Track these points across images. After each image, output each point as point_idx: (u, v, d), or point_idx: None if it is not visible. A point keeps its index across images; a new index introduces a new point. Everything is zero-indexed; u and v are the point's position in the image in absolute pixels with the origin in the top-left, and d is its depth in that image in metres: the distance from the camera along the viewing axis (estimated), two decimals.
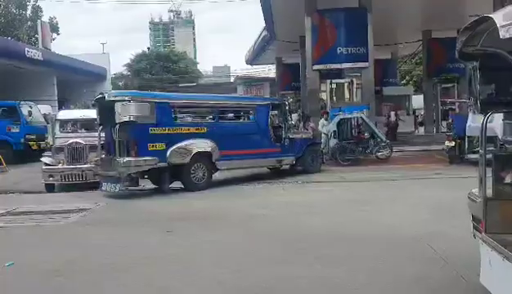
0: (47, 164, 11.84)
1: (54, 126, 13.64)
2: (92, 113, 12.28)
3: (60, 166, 11.73)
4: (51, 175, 11.65)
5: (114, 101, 10.41)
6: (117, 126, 10.22)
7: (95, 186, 11.17)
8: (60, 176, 11.60)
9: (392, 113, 23.37)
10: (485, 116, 3.77)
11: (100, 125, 11.15)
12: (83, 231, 7.41)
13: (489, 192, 3.79)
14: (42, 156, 12.81)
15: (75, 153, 11.84)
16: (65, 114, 14.29)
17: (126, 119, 10.17)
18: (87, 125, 13.28)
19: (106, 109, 10.62)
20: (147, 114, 10.43)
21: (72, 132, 13.13)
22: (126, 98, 10.53)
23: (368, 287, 4.53)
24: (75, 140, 12.08)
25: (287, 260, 5.46)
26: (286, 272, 5.02)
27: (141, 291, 4.66)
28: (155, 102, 10.76)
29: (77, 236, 7.07)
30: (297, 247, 5.98)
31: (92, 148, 11.61)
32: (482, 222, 3.76)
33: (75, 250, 6.20)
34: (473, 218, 4.01)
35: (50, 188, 11.92)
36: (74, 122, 13.69)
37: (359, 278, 4.71)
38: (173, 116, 10.99)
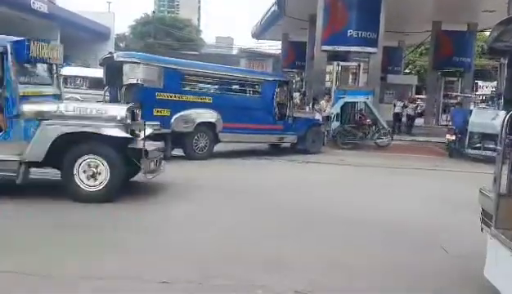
0: None
1: None
2: (96, 73, 12.50)
3: None
4: None
5: (123, 62, 10.34)
6: (123, 88, 10.16)
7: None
8: None
9: (410, 105, 22.25)
10: (507, 114, 3.77)
11: (106, 85, 11.11)
12: None
13: (503, 188, 3.85)
14: None
15: None
16: (70, 71, 14.84)
17: (133, 82, 10.11)
18: (92, 83, 13.74)
19: (113, 70, 10.53)
20: (155, 79, 10.39)
21: (75, 88, 13.71)
22: (135, 60, 10.46)
23: (369, 271, 4.59)
24: (73, 95, 13.17)
25: (292, 235, 5.55)
26: (291, 246, 5.10)
27: (137, 259, 4.67)
28: (164, 67, 10.68)
29: None
30: (300, 223, 6.06)
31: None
32: (492, 217, 3.83)
33: (69, 205, 6.25)
34: (484, 212, 4.07)
35: None
36: (80, 79, 14.26)
37: (360, 262, 4.79)
38: (181, 83, 10.92)
